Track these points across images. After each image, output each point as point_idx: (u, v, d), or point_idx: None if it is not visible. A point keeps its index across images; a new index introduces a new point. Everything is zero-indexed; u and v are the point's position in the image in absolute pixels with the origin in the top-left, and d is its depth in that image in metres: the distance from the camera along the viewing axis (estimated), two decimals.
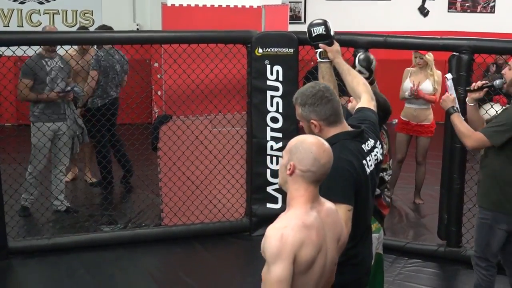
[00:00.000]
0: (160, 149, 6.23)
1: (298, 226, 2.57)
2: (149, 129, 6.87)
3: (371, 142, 3.28)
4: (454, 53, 5.50)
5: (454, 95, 4.58)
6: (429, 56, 6.77)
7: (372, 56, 4.57)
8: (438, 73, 6.83)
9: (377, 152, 3.32)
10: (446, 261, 5.68)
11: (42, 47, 6.36)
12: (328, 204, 2.78)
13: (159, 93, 6.67)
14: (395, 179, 7.03)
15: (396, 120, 7.20)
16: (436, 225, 5.87)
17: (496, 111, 7.18)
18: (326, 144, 2.71)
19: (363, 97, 3.58)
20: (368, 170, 3.18)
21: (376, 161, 3.29)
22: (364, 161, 3.17)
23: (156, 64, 7.16)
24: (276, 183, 6.13)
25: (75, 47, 7.01)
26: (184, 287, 5.24)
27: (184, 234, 6.17)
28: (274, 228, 2.58)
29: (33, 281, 5.43)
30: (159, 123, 6.27)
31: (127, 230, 6.23)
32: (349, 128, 3.22)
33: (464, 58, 5.43)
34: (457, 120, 4.40)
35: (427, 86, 6.75)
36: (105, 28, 7.34)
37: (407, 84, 6.80)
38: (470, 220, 5.77)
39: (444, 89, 4.77)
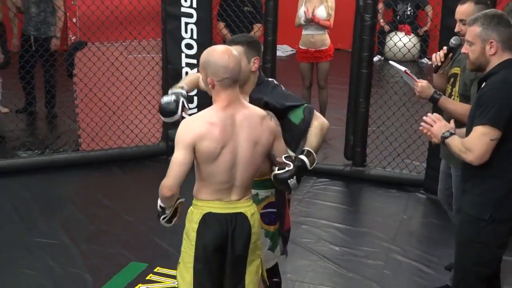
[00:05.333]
0: (76, 75, 6.09)
1: (202, 122, 2.91)
2: (64, 55, 6.71)
3: None
4: None
5: (423, 82, 3.75)
6: None
7: None
8: (330, 0, 6.85)
9: None
10: (351, 179, 5.85)
11: None
12: (249, 109, 3.03)
13: (74, 20, 6.47)
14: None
15: (295, 50, 7.20)
16: (342, 147, 6.03)
17: (400, 39, 7.35)
18: (230, 49, 2.97)
19: None
20: None
21: None
22: None
23: None
24: (191, 108, 6.13)
25: None
26: (103, 209, 5.23)
27: (102, 159, 6.12)
28: (185, 120, 2.98)
29: None
30: (74, 49, 6.12)
31: (44, 156, 6.11)
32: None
33: None
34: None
35: (321, 12, 6.75)
36: None
37: (302, 11, 6.83)
38: (374, 141, 5.96)
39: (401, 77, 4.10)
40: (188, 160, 2.89)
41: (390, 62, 4.10)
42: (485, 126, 2.97)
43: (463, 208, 3.21)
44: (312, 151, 3.17)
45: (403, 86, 6.39)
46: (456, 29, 3.75)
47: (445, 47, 3.80)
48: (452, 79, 3.84)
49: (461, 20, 3.71)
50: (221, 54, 2.91)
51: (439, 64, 3.82)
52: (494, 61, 3.09)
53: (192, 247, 3.03)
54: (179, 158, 2.88)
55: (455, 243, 3.30)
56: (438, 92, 3.72)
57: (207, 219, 3.01)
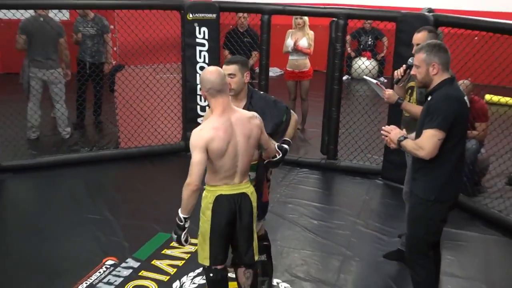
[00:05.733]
0: (116, 91, 6.07)
1: (208, 129, 2.92)
2: (107, 76, 6.70)
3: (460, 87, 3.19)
4: (334, 18, 5.53)
5: (389, 90, 3.75)
6: (306, 18, 6.78)
7: None
8: (311, 33, 6.86)
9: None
10: (326, 169, 5.84)
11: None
12: (239, 112, 3.04)
13: (115, 48, 6.45)
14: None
15: (283, 71, 7.18)
16: (319, 145, 6.01)
17: (363, 62, 7.31)
18: (215, 67, 3.03)
19: None
20: (468, 105, 3.13)
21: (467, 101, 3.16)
22: (465, 98, 3.10)
23: (112, 27, 6.90)
24: (203, 116, 6.12)
25: None
26: (137, 192, 5.23)
27: (137, 154, 6.09)
28: (195, 130, 2.94)
29: (20, 189, 5.28)
30: (115, 71, 6.11)
31: (92, 152, 6.08)
32: (449, 77, 3.11)
33: (341, 22, 5.46)
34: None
35: (303, 42, 6.78)
36: None
37: (289, 42, 6.82)
38: (343, 140, 5.95)
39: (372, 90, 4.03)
40: (204, 160, 2.87)
41: (365, 77, 4.10)
42: (434, 129, 2.98)
43: (414, 192, 3.21)
44: (289, 140, 3.35)
45: (365, 98, 6.39)
46: (413, 51, 3.70)
47: (404, 65, 3.78)
48: (409, 91, 3.84)
49: (417, 45, 3.68)
50: (209, 72, 2.96)
51: (400, 77, 3.81)
52: (436, 80, 3.09)
53: (209, 222, 3.03)
54: (197, 159, 2.85)
55: (408, 219, 3.31)
56: (401, 98, 3.76)
57: (219, 200, 3.01)
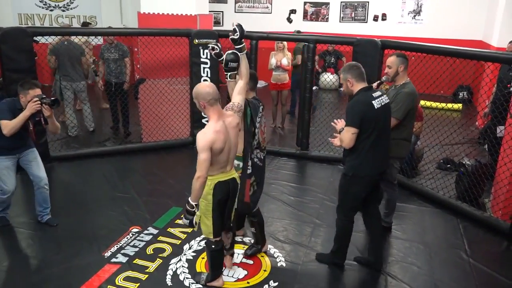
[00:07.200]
0: (140, 98, 5.98)
1: (211, 131, 2.80)
2: (132, 87, 6.62)
3: (376, 93, 3.14)
4: (306, 43, 5.50)
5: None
6: (285, 43, 6.74)
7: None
8: (289, 54, 6.83)
9: (382, 99, 3.15)
10: (300, 158, 5.82)
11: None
12: (230, 117, 2.94)
13: (138, 66, 6.38)
14: (275, 115, 7.10)
15: (268, 83, 7.14)
16: (295, 139, 5.99)
17: (328, 76, 7.26)
18: (208, 82, 3.01)
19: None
20: (376, 106, 3.07)
21: (382, 103, 3.12)
22: (373, 102, 3.07)
23: (136, 49, 6.81)
24: (205, 117, 6.07)
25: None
26: (155, 176, 5.16)
27: (156, 147, 6.01)
28: (200, 133, 2.81)
29: (65, 173, 5.19)
30: (138, 83, 6.02)
31: (121, 145, 6.00)
32: (365, 86, 3.12)
33: (311, 46, 5.43)
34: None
35: (284, 61, 6.74)
36: (85, 24, 6.87)
37: (273, 61, 6.79)
38: (313, 136, 5.93)
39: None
40: (210, 157, 2.77)
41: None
42: (348, 126, 3.08)
43: (343, 170, 3.29)
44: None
45: (330, 104, 6.36)
46: (385, 71, 3.73)
47: (378, 81, 3.81)
48: None
49: (387, 66, 3.66)
50: (206, 86, 2.85)
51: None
52: (354, 90, 3.14)
53: (210, 204, 2.95)
54: (204, 157, 2.74)
55: (338, 187, 3.39)
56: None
57: (218, 185, 2.95)
